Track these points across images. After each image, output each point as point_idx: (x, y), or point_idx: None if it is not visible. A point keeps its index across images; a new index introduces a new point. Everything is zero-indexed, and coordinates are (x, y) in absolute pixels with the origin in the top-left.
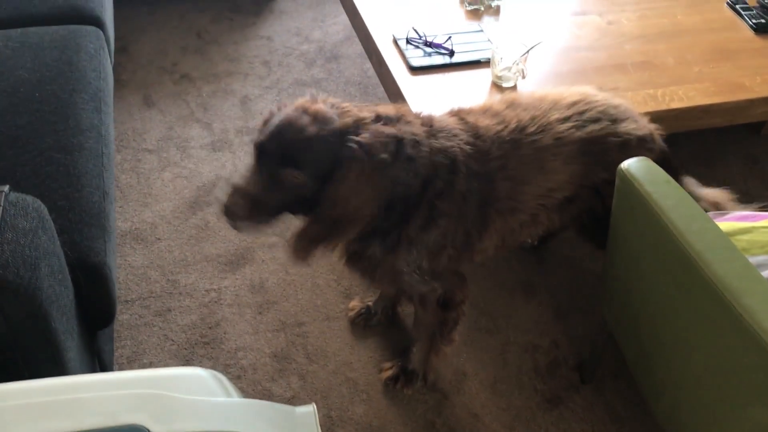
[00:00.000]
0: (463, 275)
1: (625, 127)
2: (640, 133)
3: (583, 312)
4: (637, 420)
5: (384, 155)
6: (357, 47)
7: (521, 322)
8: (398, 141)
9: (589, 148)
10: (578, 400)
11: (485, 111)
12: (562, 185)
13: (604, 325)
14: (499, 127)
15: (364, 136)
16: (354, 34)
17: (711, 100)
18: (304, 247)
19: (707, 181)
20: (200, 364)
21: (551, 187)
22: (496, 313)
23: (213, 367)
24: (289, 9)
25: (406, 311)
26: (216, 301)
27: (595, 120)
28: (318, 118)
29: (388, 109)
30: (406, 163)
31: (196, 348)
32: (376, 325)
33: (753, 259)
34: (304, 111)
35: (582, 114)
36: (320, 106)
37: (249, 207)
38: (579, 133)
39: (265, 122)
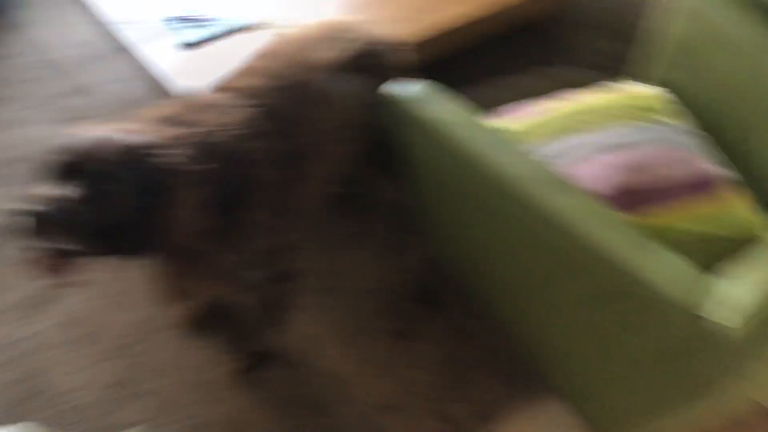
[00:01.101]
0: (292, 247)
1: (368, 33)
2: (377, 35)
3: (413, 246)
4: (486, 332)
5: (193, 167)
6: (114, 44)
7: (358, 272)
8: (193, 140)
9: (358, 63)
10: (430, 329)
11: (248, 73)
12: (349, 109)
13: (433, 253)
14: (273, 82)
15: (169, 154)
16: (107, 32)
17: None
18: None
19: (501, 92)
20: (33, 419)
21: (340, 116)
22: (333, 270)
23: (48, 418)
24: (27, 21)
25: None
26: (32, 350)
27: (352, 40)
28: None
29: (172, 108)
30: (212, 156)
31: (24, 403)
32: (209, 319)
33: (547, 149)
34: (110, 134)
35: (335, 40)
36: (126, 126)
37: (67, 219)
38: (343, 55)
39: (62, 151)
